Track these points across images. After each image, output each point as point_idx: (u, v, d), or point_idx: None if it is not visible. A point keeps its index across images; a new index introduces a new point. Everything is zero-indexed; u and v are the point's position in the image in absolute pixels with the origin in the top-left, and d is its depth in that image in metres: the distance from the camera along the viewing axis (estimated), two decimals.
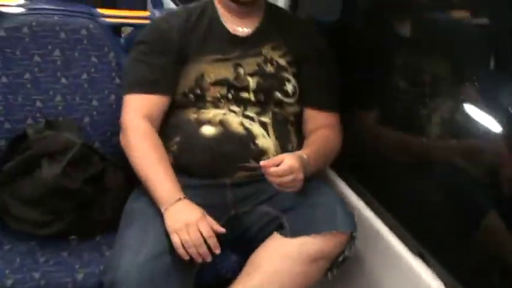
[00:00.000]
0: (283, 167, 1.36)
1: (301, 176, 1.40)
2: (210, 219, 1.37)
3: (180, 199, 1.39)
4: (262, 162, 1.37)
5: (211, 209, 1.41)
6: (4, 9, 1.74)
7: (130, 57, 1.63)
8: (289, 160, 1.38)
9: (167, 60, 1.56)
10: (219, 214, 1.45)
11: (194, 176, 1.51)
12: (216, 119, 1.52)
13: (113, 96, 1.82)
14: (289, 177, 1.37)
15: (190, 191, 1.43)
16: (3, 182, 1.55)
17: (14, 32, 1.71)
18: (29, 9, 1.78)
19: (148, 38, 1.61)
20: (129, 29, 2.03)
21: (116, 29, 1.95)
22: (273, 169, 1.36)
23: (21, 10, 1.76)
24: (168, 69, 1.56)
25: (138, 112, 1.53)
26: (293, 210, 1.45)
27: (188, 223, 1.33)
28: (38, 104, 1.75)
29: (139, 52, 1.60)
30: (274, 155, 1.49)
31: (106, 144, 1.80)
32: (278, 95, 1.57)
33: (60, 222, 1.51)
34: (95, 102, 1.81)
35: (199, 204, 1.40)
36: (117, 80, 1.82)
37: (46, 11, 1.78)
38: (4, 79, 1.71)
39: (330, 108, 1.64)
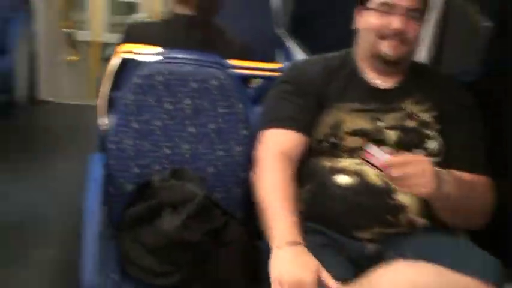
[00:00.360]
0: (408, 156, 1.27)
1: (431, 169, 1.26)
2: (326, 275, 1.22)
3: (295, 242, 1.27)
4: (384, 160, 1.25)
5: (337, 263, 1.30)
6: (141, 58, 1.79)
7: (270, 96, 1.62)
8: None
9: (309, 102, 1.54)
10: (344, 269, 1.33)
11: (324, 226, 1.42)
12: (351, 169, 1.44)
13: (238, 148, 1.79)
14: (416, 167, 1.24)
15: (317, 238, 1.34)
16: (126, 227, 1.56)
17: (148, 80, 1.75)
18: (164, 57, 1.81)
19: (292, 79, 1.60)
20: (258, 80, 2.02)
21: (246, 80, 1.94)
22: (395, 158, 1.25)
23: (156, 58, 1.80)
24: (309, 110, 1.53)
25: (276, 146, 1.49)
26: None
27: (299, 282, 1.19)
28: (166, 150, 1.76)
29: (282, 91, 1.59)
30: (413, 213, 1.38)
31: (227, 196, 1.77)
32: (418, 152, 1.46)
33: (178, 273, 1.47)
34: (220, 153, 1.79)
35: (323, 256, 1.28)
36: (244, 132, 1.79)
37: (179, 60, 1.80)
38: (136, 125, 1.75)
39: (476, 170, 1.48)
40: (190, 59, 1.81)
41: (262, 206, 1.39)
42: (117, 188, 1.74)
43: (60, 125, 3.74)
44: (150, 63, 1.78)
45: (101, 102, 1.80)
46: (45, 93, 4.08)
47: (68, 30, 4.65)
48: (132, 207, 1.55)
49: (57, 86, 4.22)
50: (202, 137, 1.79)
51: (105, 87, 1.81)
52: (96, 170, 1.71)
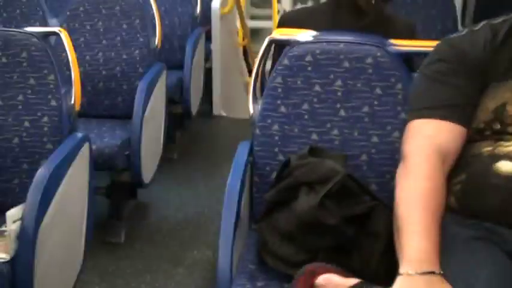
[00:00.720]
0: None
1: None
2: None
3: (432, 272, 1.03)
4: None
5: (491, 256, 1.06)
6: (293, 38, 1.68)
7: (420, 76, 1.37)
8: None
9: (470, 83, 1.27)
10: (501, 264, 1.07)
11: (479, 219, 1.15)
12: None
13: (396, 133, 1.57)
14: None
15: (469, 231, 1.09)
16: (265, 213, 1.43)
17: (297, 60, 1.62)
18: (317, 38, 1.68)
19: (449, 56, 1.32)
20: None
21: (408, 60, 1.71)
22: None
23: (308, 39, 1.67)
24: (470, 94, 1.27)
25: (428, 143, 1.23)
26: None
27: None
28: (314, 136, 1.60)
29: (435, 71, 1.32)
30: None
31: (383, 188, 1.55)
32: None
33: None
34: (374, 139, 1.59)
35: (475, 249, 1.05)
36: (403, 115, 1.56)
37: (334, 38, 1.65)
38: (283, 109, 1.63)
39: None
40: (347, 39, 1.65)
41: (397, 215, 1.15)
42: (262, 175, 1.63)
43: (231, 137, 3.80)
44: (300, 43, 1.66)
45: (251, 85, 1.72)
46: (218, 108, 4.20)
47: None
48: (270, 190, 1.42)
49: (230, 101, 4.32)
50: (355, 122, 1.60)
51: (256, 70, 1.72)
52: (240, 157, 1.62)
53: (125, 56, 2.66)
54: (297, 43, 1.66)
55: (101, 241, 2.41)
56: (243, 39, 4.58)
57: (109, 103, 2.65)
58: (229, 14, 4.27)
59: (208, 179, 3.16)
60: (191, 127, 3.82)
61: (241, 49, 4.72)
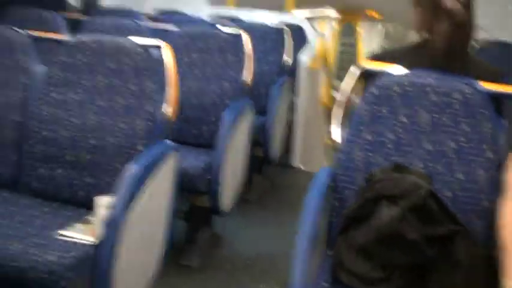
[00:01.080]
0: None
1: None
2: None
3: None
4: None
5: None
6: (381, 69, 1.73)
7: None
8: None
9: None
10: None
11: None
12: None
13: (481, 172, 1.56)
14: None
15: None
16: (342, 230, 1.44)
17: (385, 90, 1.67)
18: (409, 72, 1.72)
19: None
20: None
21: (497, 102, 1.71)
22: None
23: (400, 72, 1.72)
24: None
25: None
26: None
27: None
28: None
29: None
30: None
31: (467, 226, 1.49)
32: None
33: (392, 280, 1.27)
34: (459, 175, 1.58)
35: None
36: (490, 155, 1.56)
37: (423, 73, 1.69)
38: (367, 136, 1.66)
39: None
40: (432, 74, 1.69)
41: (504, 247, 1.16)
42: (342, 200, 1.64)
43: (307, 189, 3.84)
44: (389, 74, 1.71)
45: (337, 110, 1.77)
46: (296, 160, 4.26)
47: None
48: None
49: (308, 156, 4.36)
50: (440, 156, 1.60)
51: (342, 96, 1.77)
52: (320, 179, 1.65)
53: (215, 88, 2.80)
54: (387, 74, 1.71)
55: (175, 262, 2.48)
56: (326, 98, 4.67)
57: (196, 132, 2.77)
58: (317, 69, 4.39)
59: (282, 223, 3.18)
60: (269, 173, 3.89)
61: (323, 107, 4.80)
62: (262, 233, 3.04)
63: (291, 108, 4.14)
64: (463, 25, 1.76)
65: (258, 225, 3.14)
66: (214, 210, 2.54)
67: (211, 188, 2.45)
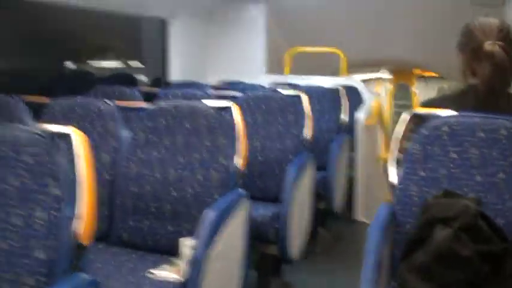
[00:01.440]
0: None
1: None
2: None
3: None
4: None
5: None
6: (430, 113, 1.91)
7: None
8: None
9: None
10: None
11: None
12: None
13: None
14: None
15: None
16: (403, 255, 1.58)
17: (435, 130, 1.83)
18: (455, 114, 1.89)
19: None
20: None
21: None
22: None
23: (444, 114, 1.89)
24: None
25: None
26: None
27: None
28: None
29: None
30: None
31: None
32: None
33: None
34: (510, 204, 1.71)
35: None
36: None
37: (469, 114, 1.86)
38: (422, 173, 1.81)
39: None
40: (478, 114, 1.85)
41: None
42: (401, 233, 1.79)
43: None
44: (438, 115, 1.88)
45: (391, 153, 1.94)
46: (358, 213, 4.38)
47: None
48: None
49: (371, 209, 4.47)
50: (490, 186, 1.74)
51: (396, 140, 1.95)
52: (381, 214, 1.80)
53: (279, 146, 3.04)
54: (435, 116, 1.88)
55: None
56: (385, 153, 4.81)
57: (262, 186, 3.00)
58: (373, 126, 4.56)
59: (348, 272, 3.29)
60: (333, 226, 4.03)
61: (382, 162, 4.93)
62: (330, 282, 3.16)
63: (351, 165, 4.31)
64: (503, 66, 1.92)
65: (325, 274, 3.27)
66: (283, 257, 2.70)
67: (280, 236, 2.63)
